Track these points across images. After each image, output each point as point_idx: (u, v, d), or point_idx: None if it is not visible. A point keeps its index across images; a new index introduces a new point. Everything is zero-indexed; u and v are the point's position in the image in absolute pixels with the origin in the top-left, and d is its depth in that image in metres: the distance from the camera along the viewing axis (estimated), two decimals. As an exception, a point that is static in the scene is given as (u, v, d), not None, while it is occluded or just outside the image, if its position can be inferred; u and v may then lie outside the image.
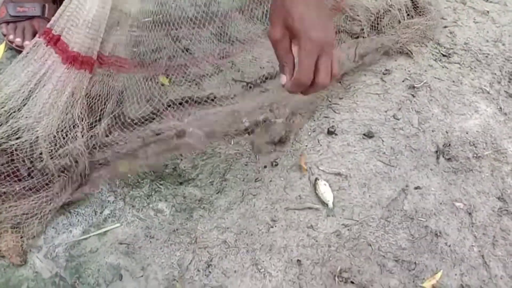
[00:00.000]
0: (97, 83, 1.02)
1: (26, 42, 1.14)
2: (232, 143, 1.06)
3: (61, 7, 0.96)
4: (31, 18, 1.17)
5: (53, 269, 0.87)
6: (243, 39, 1.26)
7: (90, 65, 0.99)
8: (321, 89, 0.72)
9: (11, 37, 1.15)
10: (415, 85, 1.21)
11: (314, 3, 0.69)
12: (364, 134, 1.10)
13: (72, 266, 0.87)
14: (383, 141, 1.09)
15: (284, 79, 0.71)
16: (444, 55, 1.30)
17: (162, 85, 1.14)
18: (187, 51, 1.20)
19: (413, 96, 1.19)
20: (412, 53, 1.28)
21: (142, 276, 0.87)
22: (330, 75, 0.70)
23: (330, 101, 1.16)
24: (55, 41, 0.95)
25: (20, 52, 1.16)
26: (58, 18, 0.96)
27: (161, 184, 0.98)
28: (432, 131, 1.12)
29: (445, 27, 1.39)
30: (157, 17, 1.15)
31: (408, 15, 1.32)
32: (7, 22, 1.16)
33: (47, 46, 0.95)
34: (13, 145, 0.90)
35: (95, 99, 1.02)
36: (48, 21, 1.17)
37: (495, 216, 0.99)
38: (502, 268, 0.92)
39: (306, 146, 1.07)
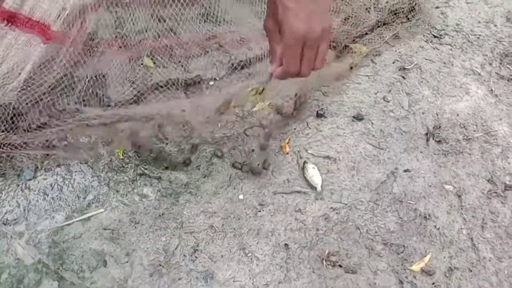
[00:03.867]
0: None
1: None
2: (219, 126, 1.04)
3: None
4: None
5: (36, 256, 0.85)
6: (230, 20, 1.22)
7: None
8: (304, 77, 0.73)
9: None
10: (406, 67, 1.19)
11: None
12: (353, 117, 1.08)
13: (55, 252, 0.85)
14: (372, 123, 1.08)
15: (271, 68, 0.73)
16: (435, 36, 1.28)
17: (147, 67, 1.11)
18: (172, 32, 1.17)
19: (404, 77, 1.17)
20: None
21: (127, 262, 0.85)
22: (312, 67, 0.70)
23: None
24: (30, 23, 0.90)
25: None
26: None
27: (146, 169, 0.96)
28: (423, 113, 1.11)
29: (437, 7, 1.36)
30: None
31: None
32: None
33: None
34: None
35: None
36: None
37: (485, 199, 0.98)
38: (490, 250, 0.91)
39: (295, 129, 1.05)
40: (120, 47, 1.10)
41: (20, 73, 0.89)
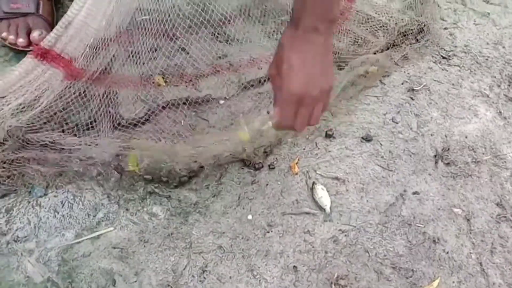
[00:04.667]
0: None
1: (20, 40, 1.11)
2: (228, 145, 1.04)
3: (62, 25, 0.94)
4: (25, 15, 1.15)
5: (45, 274, 0.85)
6: (241, 39, 1.24)
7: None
8: (299, 131, 0.76)
9: (4, 34, 1.12)
10: (415, 88, 1.20)
11: (312, 53, 0.69)
12: (362, 138, 1.09)
13: (65, 271, 0.86)
14: (381, 144, 1.08)
15: (272, 113, 0.75)
16: (444, 57, 1.29)
17: (158, 85, 1.12)
18: (183, 50, 1.18)
19: (412, 99, 1.18)
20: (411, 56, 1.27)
21: (135, 281, 0.86)
22: (306, 124, 0.74)
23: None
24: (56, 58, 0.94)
25: (13, 49, 1.14)
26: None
27: (156, 187, 0.97)
28: (431, 135, 1.11)
29: (445, 28, 1.37)
30: (154, 16, 1.13)
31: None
32: (0, 19, 1.14)
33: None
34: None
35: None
36: (43, 18, 1.15)
37: (494, 223, 0.98)
38: (500, 276, 0.91)
39: (304, 149, 1.05)
40: (133, 65, 1.12)
41: (38, 103, 0.92)
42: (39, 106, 0.93)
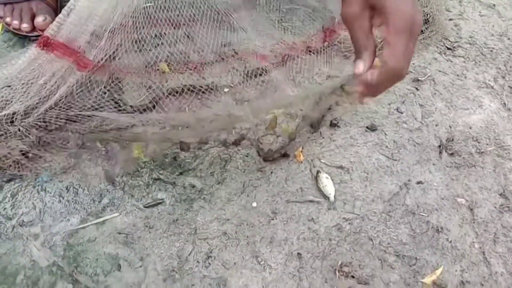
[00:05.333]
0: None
1: (24, 25, 1.11)
2: (233, 133, 1.04)
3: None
4: (28, 0, 1.14)
5: (51, 258, 0.86)
6: (245, 28, 1.23)
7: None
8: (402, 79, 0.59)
9: (8, 19, 1.12)
10: (419, 78, 1.20)
11: None
12: (367, 127, 1.09)
13: (70, 255, 0.86)
14: (386, 134, 1.08)
15: (360, 67, 0.59)
16: (448, 48, 1.29)
17: (163, 72, 1.12)
18: (188, 38, 1.17)
19: (417, 89, 1.18)
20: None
21: (141, 266, 0.86)
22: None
23: (333, 93, 1.14)
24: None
25: (16, 35, 1.14)
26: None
27: (161, 174, 0.97)
28: (436, 125, 1.11)
29: (451, 19, 1.37)
30: (158, 2, 1.12)
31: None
32: (4, 4, 1.13)
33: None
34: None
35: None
36: (46, 3, 1.15)
37: (497, 213, 0.99)
38: (502, 265, 0.91)
39: (308, 138, 1.05)
40: (137, 51, 1.12)
41: (50, 97, 0.92)
42: (47, 97, 0.93)
